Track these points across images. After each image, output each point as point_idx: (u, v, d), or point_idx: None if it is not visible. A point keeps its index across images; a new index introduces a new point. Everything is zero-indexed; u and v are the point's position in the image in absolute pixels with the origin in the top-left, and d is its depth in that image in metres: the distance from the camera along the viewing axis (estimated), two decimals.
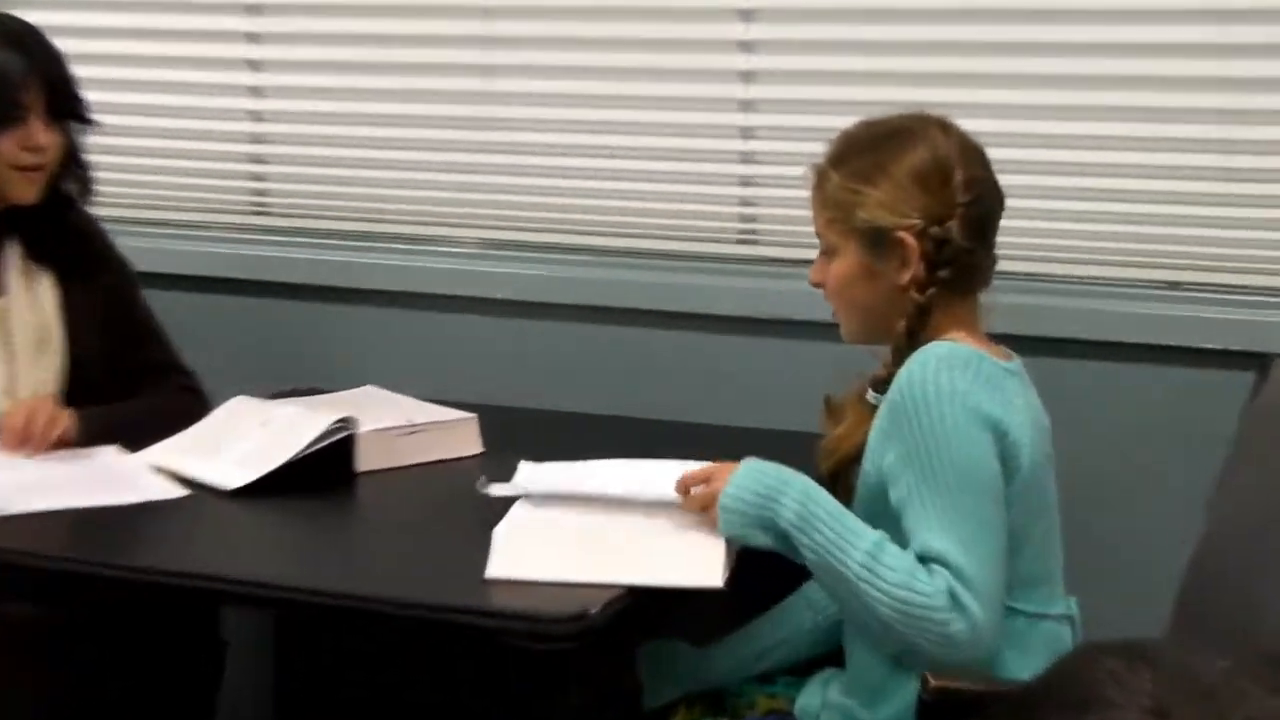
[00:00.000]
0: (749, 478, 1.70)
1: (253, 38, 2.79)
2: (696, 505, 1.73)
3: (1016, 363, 1.81)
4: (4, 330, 2.24)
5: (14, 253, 2.27)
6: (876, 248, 1.77)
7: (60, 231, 2.28)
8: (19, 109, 2.16)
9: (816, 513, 1.66)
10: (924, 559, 1.61)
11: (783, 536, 1.67)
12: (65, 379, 2.27)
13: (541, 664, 1.70)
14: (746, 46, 2.49)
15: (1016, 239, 2.27)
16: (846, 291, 1.80)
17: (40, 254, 2.26)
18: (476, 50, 2.63)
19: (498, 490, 1.89)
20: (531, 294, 2.62)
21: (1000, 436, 1.69)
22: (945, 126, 1.79)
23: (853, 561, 1.63)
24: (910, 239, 1.75)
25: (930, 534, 1.61)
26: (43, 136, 2.18)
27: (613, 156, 2.59)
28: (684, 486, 1.75)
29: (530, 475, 1.94)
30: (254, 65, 2.81)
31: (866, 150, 1.79)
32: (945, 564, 1.60)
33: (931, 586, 1.59)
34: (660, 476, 1.83)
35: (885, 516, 1.70)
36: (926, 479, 1.64)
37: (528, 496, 1.88)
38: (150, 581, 1.83)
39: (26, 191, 2.20)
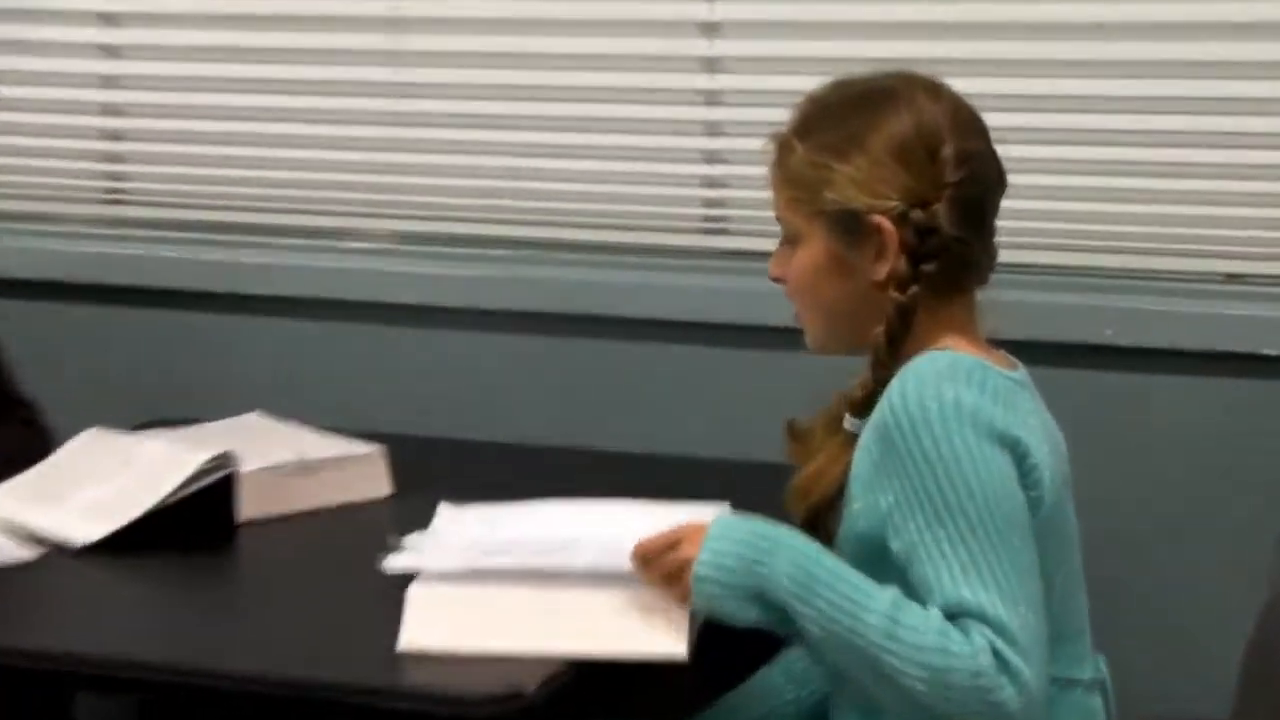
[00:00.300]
0: (727, 539, 1.69)
1: None
2: (661, 577, 1.72)
3: (1022, 372, 1.82)
4: None
5: None
6: (848, 235, 1.77)
7: None
8: None
9: (816, 574, 1.66)
10: (953, 615, 1.62)
11: (775, 607, 1.67)
12: None
13: None
14: None
15: (1031, 223, 2.32)
16: (811, 288, 1.80)
17: None
18: (382, 0, 2.64)
19: (400, 565, 1.87)
20: (452, 298, 2.61)
21: (1020, 458, 1.69)
22: (934, 89, 1.79)
23: (868, 629, 1.62)
24: (887, 224, 1.75)
25: (956, 584, 1.61)
26: None
27: (549, 129, 2.59)
28: (642, 555, 1.73)
29: (448, 527, 1.96)
30: (107, 19, 2.81)
31: (838, 116, 1.79)
32: (983, 619, 1.61)
33: (971, 648, 1.59)
34: (614, 523, 1.85)
35: (881, 567, 1.70)
36: (941, 517, 1.63)
37: (440, 568, 1.86)
38: None
39: None
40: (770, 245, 2.09)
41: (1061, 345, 2.26)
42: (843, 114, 1.79)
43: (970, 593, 1.61)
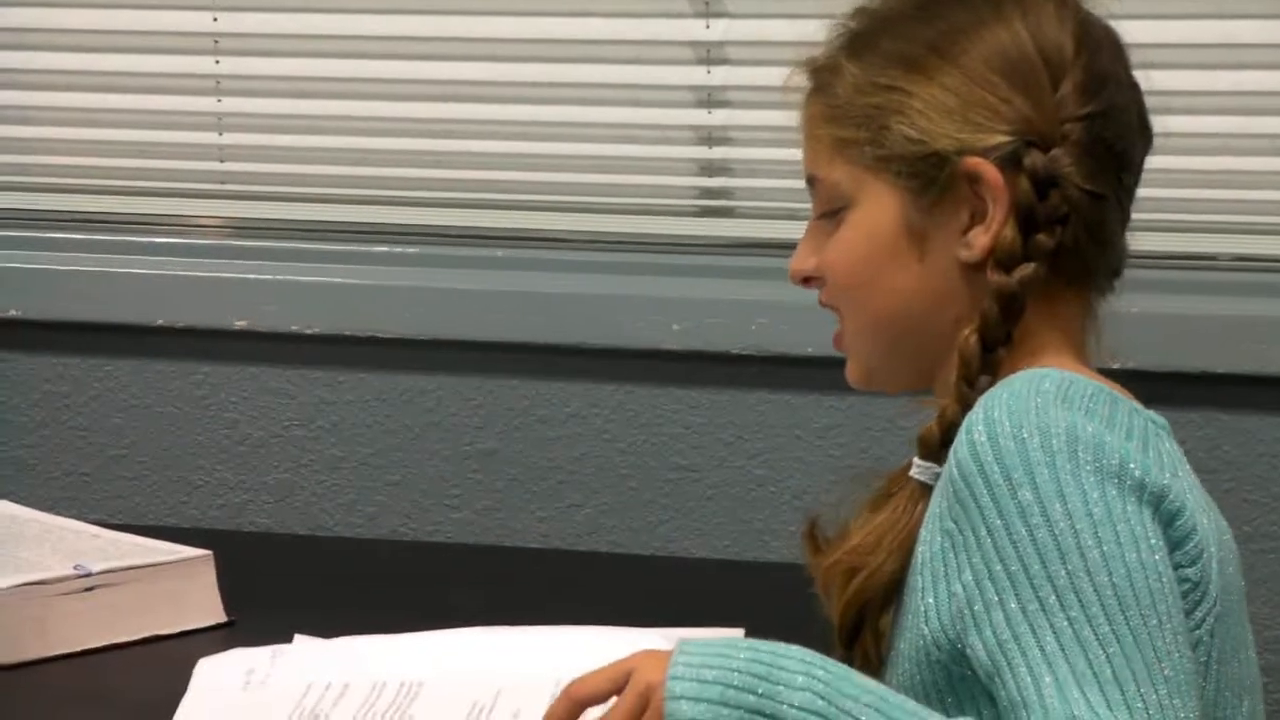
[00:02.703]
0: (706, 651, 1.45)
1: None
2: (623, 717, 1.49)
3: (1163, 419, 1.54)
4: None
5: None
6: (927, 190, 1.51)
7: None
8: None
9: (847, 691, 1.41)
10: None
11: None
12: None
13: None
14: None
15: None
16: (867, 278, 1.55)
17: None
18: None
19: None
20: (302, 319, 2.36)
21: (1170, 518, 1.44)
22: None
23: None
24: (991, 170, 1.48)
25: (1069, 701, 1.38)
26: None
27: (455, 98, 2.38)
28: (571, 704, 1.48)
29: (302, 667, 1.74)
30: None
31: (912, 20, 1.54)
32: None
33: None
34: (545, 669, 1.65)
35: (956, 689, 1.47)
36: (1047, 603, 1.39)
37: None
38: None
39: None
40: (788, 231, 2.10)
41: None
42: (919, 17, 1.55)
43: (1092, 710, 1.38)
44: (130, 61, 2.52)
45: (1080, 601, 1.39)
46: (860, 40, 1.56)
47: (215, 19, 2.45)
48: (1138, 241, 2.09)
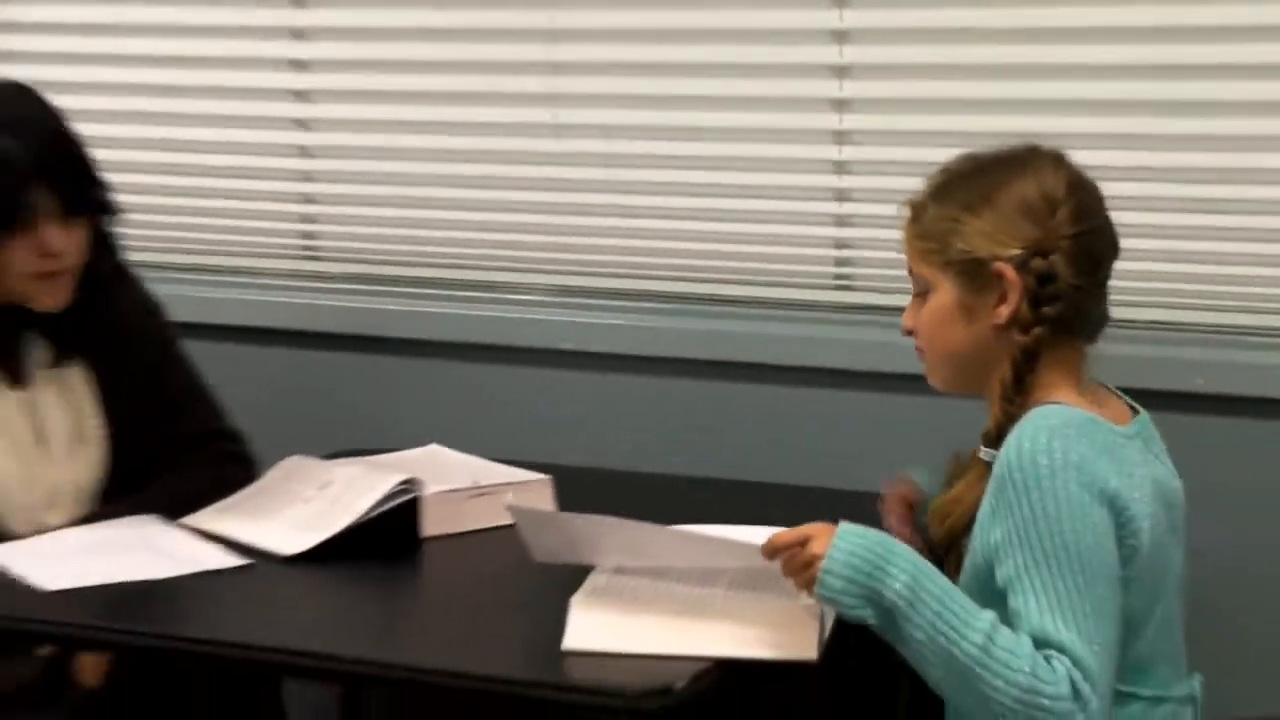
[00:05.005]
0: (853, 543, 1.74)
1: (298, 65, 2.89)
2: (790, 568, 1.77)
3: (1137, 424, 1.87)
4: (34, 423, 2.29)
5: (39, 342, 2.30)
6: (974, 282, 1.84)
7: (89, 321, 2.29)
8: (24, 210, 2.10)
9: (926, 586, 1.71)
10: (1038, 645, 1.70)
11: (886, 611, 1.72)
12: (106, 469, 2.32)
13: None
14: (840, 71, 2.54)
15: (1145, 284, 2.39)
16: (940, 333, 1.87)
17: (67, 345, 2.29)
18: (541, 78, 2.69)
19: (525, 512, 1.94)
20: (603, 345, 2.69)
21: (1119, 513, 1.76)
22: (1058, 160, 1.88)
23: (967, 644, 1.68)
24: (1010, 271, 1.82)
25: (1045, 620, 1.70)
26: (58, 240, 2.14)
27: (694, 195, 2.67)
28: (772, 550, 1.79)
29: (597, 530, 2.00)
30: (300, 96, 2.92)
31: (970, 178, 1.87)
32: (1063, 651, 1.68)
33: (1054, 676, 1.67)
34: (741, 543, 1.89)
35: (990, 594, 1.77)
36: (1039, 561, 1.72)
37: (600, 563, 1.95)
38: (210, 654, 1.91)
39: (51, 298, 2.19)
40: (893, 300, 2.34)
41: (1164, 394, 2.25)
42: (974, 177, 1.87)
43: (1057, 630, 1.70)
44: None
45: (1057, 563, 1.70)
46: (940, 189, 1.88)
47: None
48: None
